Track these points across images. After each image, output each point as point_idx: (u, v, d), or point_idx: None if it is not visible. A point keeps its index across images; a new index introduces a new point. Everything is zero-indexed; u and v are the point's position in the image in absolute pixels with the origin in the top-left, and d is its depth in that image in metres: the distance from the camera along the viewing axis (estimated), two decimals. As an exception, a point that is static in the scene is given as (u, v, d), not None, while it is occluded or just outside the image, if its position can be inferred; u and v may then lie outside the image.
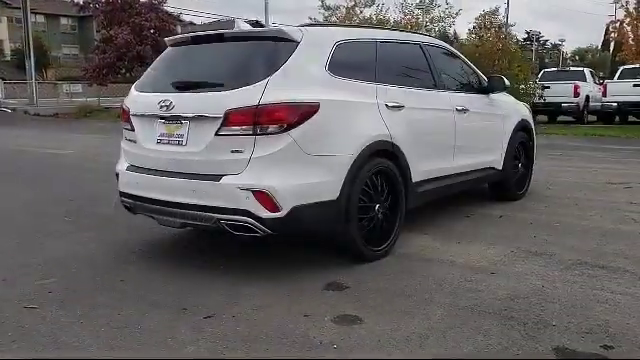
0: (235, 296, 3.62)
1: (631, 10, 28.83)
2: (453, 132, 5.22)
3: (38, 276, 4.05)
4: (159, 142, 4.07)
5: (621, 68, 19.87)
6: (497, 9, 47.87)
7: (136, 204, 4.27)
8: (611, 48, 60.85)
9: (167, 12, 30.23)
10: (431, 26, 38.88)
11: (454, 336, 3.04)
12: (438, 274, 3.99)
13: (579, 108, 18.24)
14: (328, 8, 39.67)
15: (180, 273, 4.09)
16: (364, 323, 3.21)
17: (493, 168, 5.95)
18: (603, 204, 6.18)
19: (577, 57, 79.95)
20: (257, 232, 3.74)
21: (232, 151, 3.72)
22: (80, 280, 3.97)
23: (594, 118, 19.63)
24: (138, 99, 4.33)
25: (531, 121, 6.68)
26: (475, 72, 5.88)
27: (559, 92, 18.04)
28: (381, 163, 4.26)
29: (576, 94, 17.96)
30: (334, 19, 37.35)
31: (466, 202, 6.16)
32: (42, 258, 4.46)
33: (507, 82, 5.94)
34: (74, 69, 44.58)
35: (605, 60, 61.95)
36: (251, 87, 3.71)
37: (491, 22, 43.11)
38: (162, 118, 4.04)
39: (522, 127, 6.41)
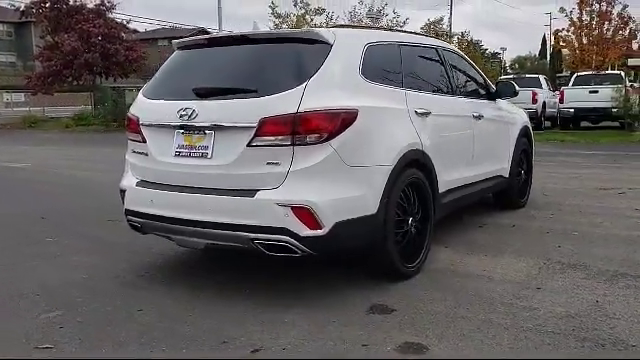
0: (275, 325, 3.26)
1: (575, 20, 29.98)
2: (472, 139, 5.02)
3: (40, 308, 3.57)
4: (178, 155, 3.67)
5: (575, 75, 20.43)
6: (442, 18, 48.90)
7: (148, 223, 3.84)
8: (548, 56, 63.18)
9: (115, 19, 29.27)
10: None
11: (538, 355, 2.79)
12: (482, 292, 3.74)
13: (537, 114, 18.61)
14: (279, 16, 39.49)
15: (202, 299, 3.69)
16: (431, 351, 2.92)
17: (501, 176, 5.79)
18: (606, 211, 6.12)
19: (517, 65, 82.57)
20: (295, 252, 3.39)
21: (267, 163, 3.36)
22: (91, 312, 3.52)
23: (549, 124, 20.07)
24: (150, 107, 3.90)
25: (530, 127, 6.58)
26: (483, 77, 5.72)
27: (518, 99, 18.29)
28: (414, 174, 3.99)
29: (534, 101, 18.29)
30: (285, 27, 37.17)
31: (471, 212, 5.96)
32: (36, 286, 3.98)
33: (517, 87, 5.80)
34: (12, 77, 42.51)
35: (543, 68, 64.22)
36: (288, 93, 3.37)
37: (436, 32, 43.96)
38: (182, 128, 3.64)
39: (524, 133, 6.30)
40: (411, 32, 5.03)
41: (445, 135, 4.49)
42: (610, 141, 14.49)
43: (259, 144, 3.37)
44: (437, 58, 4.89)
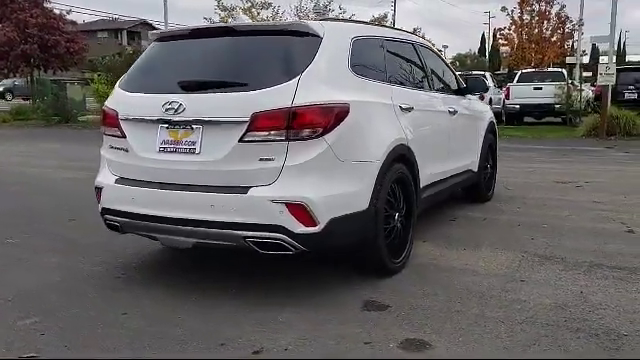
0: (272, 324, 3.19)
1: (516, 19, 30.88)
2: (448, 135, 5.06)
3: (14, 315, 3.36)
4: (162, 151, 3.52)
5: (519, 72, 21.04)
6: (386, 15, 49.44)
7: (129, 222, 3.66)
8: (487, 54, 64.90)
9: (53, 9, 28.07)
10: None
11: (538, 355, 2.83)
12: (469, 285, 3.77)
13: (485, 110, 19.03)
14: (225, 9, 38.94)
15: (186, 300, 3.56)
16: (435, 348, 2.91)
17: (471, 170, 5.87)
18: (569, 204, 6.30)
19: (457, 63, 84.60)
20: (289, 250, 3.32)
21: (260, 159, 3.27)
22: (72, 317, 3.33)
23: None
24: (130, 101, 3.71)
25: (495, 122, 6.71)
26: (454, 72, 5.77)
27: (465, 96, 18.69)
28: (400, 169, 3.98)
29: (481, 97, 18.72)
30: (230, 20, 36.72)
31: (442, 206, 6.02)
32: (9, 291, 3.74)
33: (489, 83, 5.89)
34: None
35: (482, 65, 65.96)
36: (281, 87, 3.28)
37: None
38: (167, 123, 3.48)
39: (491, 129, 6.41)
40: (388, 27, 4.99)
41: (426, 130, 4.50)
42: (556, 136, 14.98)
43: (251, 139, 3.27)
44: (415, 53, 4.90)
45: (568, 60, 28.51)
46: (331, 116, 3.33)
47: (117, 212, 3.69)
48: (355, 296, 3.59)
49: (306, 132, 3.26)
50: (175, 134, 3.48)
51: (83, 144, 14.53)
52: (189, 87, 3.50)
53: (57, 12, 28.33)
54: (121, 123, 3.68)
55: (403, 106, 4.14)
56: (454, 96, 5.50)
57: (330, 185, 3.35)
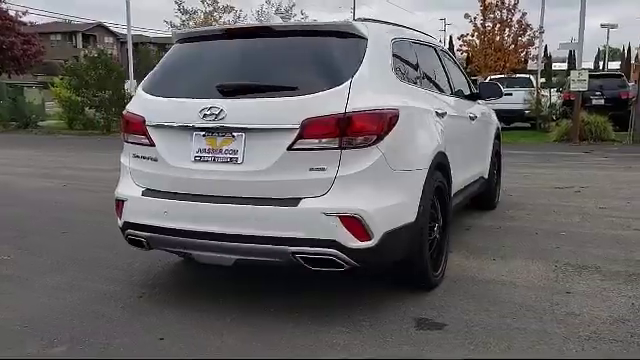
0: (325, 347, 2.95)
1: (479, 25, 31.35)
2: (469, 141, 4.92)
3: (37, 342, 3.03)
4: (198, 160, 3.23)
5: (488, 78, 21.26)
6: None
7: (158, 238, 3.36)
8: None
9: (7, 10, 27.00)
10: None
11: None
12: (516, 298, 3.62)
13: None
14: (185, 12, 38.27)
15: (220, 319, 3.28)
16: (512, 368, 2.73)
17: (483, 177, 5.76)
18: (577, 210, 6.25)
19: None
20: (341, 266, 3.08)
21: (311, 169, 3.03)
22: (103, 344, 3.01)
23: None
24: (161, 106, 3.41)
25: (500, 127, 6.63)
26: (467, 77, 5.65)
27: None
28: (439, 178, 3.80)
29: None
30: (192, 24, 36.19)
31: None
32: (21, 316, 3.39)
33: (502, 89, 5.79)
34: None
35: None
36: (333, 91, 3.06)
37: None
38: (203, 130, 3.20)
39: (497, 134, 6.34)
40: (412, 28, 4.82)
41: (455, 137, 4.34)
42: (530, 141, 15.16)
43: (302, 147, 3.03)
44: (437, 57, 4.75)
45: (530, 66, 29.08)
46: (384, 122, 3.12)
47: (143, 227, 3.38)
48: (402, 314, 3.38)
49: (360, 139, 3.04)
50: (213, 142, 3.20)
51: (48, 150, 13.93)
52: (229, 91, 3.22)
53: (12, 13, 27.30)
54: (149, 130, 3.38)
55: (439, 111, 3.97)
56: (471, 101, 5.37)
57: (384, 196, 3.14)
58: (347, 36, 3.34)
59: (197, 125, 3.20)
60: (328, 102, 3.02)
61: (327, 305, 3.53)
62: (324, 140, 3.01)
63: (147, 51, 44.69)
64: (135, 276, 4.09)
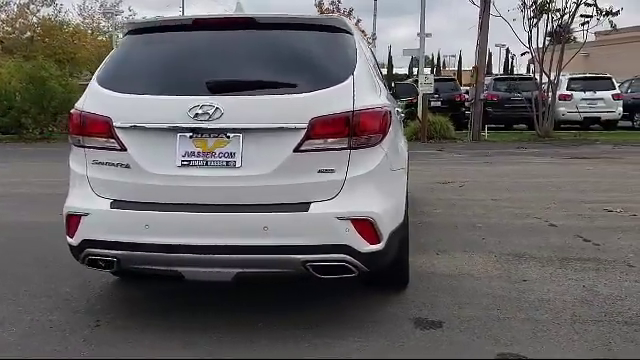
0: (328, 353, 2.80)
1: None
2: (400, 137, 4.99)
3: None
4: (186, 165, 2.86)
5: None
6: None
7: (135, 256, 2.91)
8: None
9: None
10: (114, 33, 36.68)
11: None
12: (484, 289, 3.77)
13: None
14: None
15: (207, 341, 2.96)
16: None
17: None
18: (475, 203, 6.67)
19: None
20: (352, 272, 2.94)
21: (319, 171, 2.84)
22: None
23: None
24: (131, 104, 2.95)
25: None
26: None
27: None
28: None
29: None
30: (3, 16, 32.67)
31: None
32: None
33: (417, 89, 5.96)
34: None
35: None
36: (339, 87, 2.89)
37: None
38: (191, 131, 2.84)
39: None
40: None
41: (399, 133, 4.37)
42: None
43: (309, 148, 2.82)
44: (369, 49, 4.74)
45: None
46: (386, 120, 3.04)
47: (114, 244, 2.90)
48: (395, 315, 3.33)
49: (366, 138, 2.92)
50: (203, 144, 2.85)
51: None
52: (221, 88, 2.89)
53: None
54: (118, 132, 2.91)
55: (397, 109, 3.98)
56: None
57: (387, 196, 3.06)
58: (337, 30, 3.20)
59: (185, 126, 2.83)
60: (336, 99, 2.86)
61: (311, 315, 3.35)
62: (333, 140, 2.84)
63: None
64: (94, 300, 3.52)
